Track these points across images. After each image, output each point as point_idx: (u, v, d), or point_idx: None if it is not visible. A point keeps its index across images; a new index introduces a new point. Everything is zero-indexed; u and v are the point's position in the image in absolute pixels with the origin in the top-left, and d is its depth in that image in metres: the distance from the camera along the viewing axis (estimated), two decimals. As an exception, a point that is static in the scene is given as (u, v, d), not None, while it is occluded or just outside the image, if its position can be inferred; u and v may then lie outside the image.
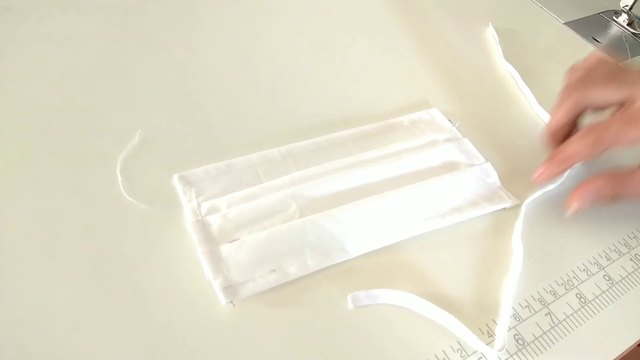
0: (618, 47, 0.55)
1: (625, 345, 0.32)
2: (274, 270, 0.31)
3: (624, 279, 0.35)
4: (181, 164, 0.36)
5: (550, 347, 0.31)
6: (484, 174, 0.39)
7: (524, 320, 0.32)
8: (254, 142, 0.39)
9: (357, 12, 0.54)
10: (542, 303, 0.33)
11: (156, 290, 0.30)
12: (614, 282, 0.35)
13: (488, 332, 0.31)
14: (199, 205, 0.33)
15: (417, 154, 0.39)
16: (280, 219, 0.33)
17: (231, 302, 0.29)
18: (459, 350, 0.30)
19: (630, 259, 0.36)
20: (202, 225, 0.32)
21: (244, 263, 0.31)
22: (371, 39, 0.51)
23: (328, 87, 0.45)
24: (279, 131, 0.40)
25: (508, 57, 0.51)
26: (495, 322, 0.31)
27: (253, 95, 0.43)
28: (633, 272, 0.36)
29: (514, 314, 0.32)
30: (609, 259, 0.36)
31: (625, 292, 0.35)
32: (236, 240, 0.31)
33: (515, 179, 0.40)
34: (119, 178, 0.35)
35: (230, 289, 0.29)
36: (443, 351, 0.30)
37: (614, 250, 0.37)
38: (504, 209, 0.37)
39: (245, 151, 0.37)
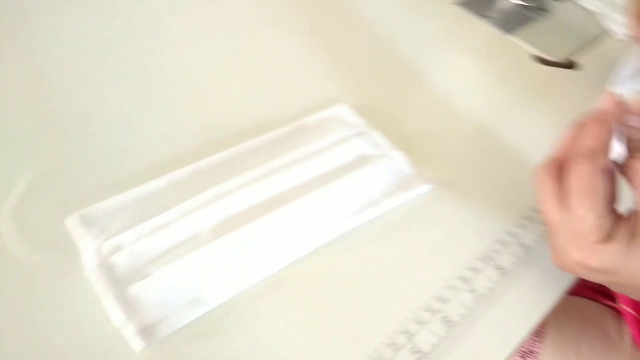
0: (507, 19, 0.58)
1: (545, 307, 0.33)
2: (192, 301, 0.29)
3: (536, 243, 0.37)
4: (79, 203, 0.33)
5: (475, 324, 0.32)
6: (395, 163, 0.39)
7: (449, 302, 0.32)
8: (157, 166, 0.36)
9: (253, 16, 0.53)
10: (464, 281, 0.34)
11: (64, 351, 0.27)
12: (529, 248, 0.36)
13: (417, 319, 0.31)
14: (100, 246, 0.31)
15: (328, 152, 0.39)
16: (193, 245, 0.32)
17: (149, 345, 0.27)
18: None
19: (540, 223, 0.38)
20: (106, 268, 0.30)
21: (158, 299, 0.29)
22: (271, 42, 0.50)
23: (231, 97, 0.43)
24: (184, 150, 0.38)
25: (405, 42, 0.52)
26: (422, 310, 0.32)
27: (150, 116, 0.40)
28: (544, 235, 0.37)
29: (439, 297, 0.32)
30: (522, 227, 0.38)
31: (540, 256, 0.36)
32: (147, 276, 0.30)
33: (428, 162, 0.40)
34: (3, 232, 0.31)
35: (146, 331, 0.28)
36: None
37: (526, 217, 0.38)
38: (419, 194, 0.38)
39: (148, 177, 0.35)
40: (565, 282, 0.35)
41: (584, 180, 0.28)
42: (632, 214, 0.29)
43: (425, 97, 0.47)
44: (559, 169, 0.30)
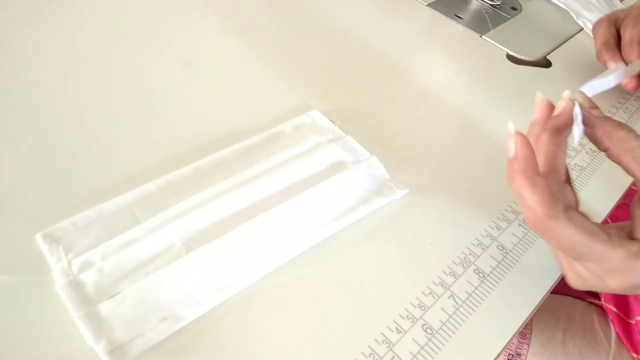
0: (479, 20, 0.58)
1: (529, 308, 0.33)
2: (165, 319, 0.28)
3: (516, 245, 0.37)
4: (45, 220, 0.32)
5: (458, 329, 0.31)
6: (370, 168, 0.38)
7: (429, 308, 0.32)
8: (126, 180, 0.35)
9: (220, 22, 0.52)
10: (444, 286, 0.33)
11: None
12: (508, 251, 0.36)
13: (397, 328, 0.31)
14: (69, 264, 0.30)
15: (302, 160, 0.38)
16: (165, 261, 0.31)
17: (120, 365, 0.27)
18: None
19: (519, 224, 0.38)
20: (75, 286, 0.29)
21: (130, 318, 0.28)
22: (240, 48, 0.49)
23: (202, 107, 0.43)
24: (154, 162, 0.37)
25: (379, 45, 0.52)
26: (406, 311, 0.31)
27: (118, 127, 0.39)
28: (524, 236, 0.37)
29: (419, 304, 0.32)
30: (500, 229, 0.37)
31: (521, 257, 0.36)
32: (117, 294, 0.29)
33: (404, 166, 0.40)
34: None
35: (117, 351, 0.27)
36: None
37: (503, 219, 0.38)
38: (395, 199, 0.37)
39: (117, 191, 0.34)
40: (547, 283, 0.35)
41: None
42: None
43: (401, 100, 0.47)
44: None
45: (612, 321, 0.49)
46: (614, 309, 0.49)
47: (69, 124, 0.39)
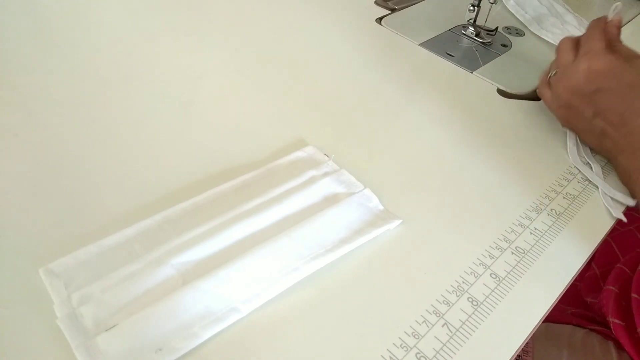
0: (470, 57, 0.60)
1: (520, 339, 0.33)
2: (160, 350, 0.29)
3: (509, 273, 0.37)
4: (48, 255, 0.33)
5: (452, 357, 0.31)
6: (365, 200, 0.40)
7: (422, 337, 0.32)
8: (126, 215, 0.37)
9: (219, 64, 0.55)
10: (438, 315, 0.33)
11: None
12: (501, 279, 0.37)
13: (391, 357, 0.31)
14: (69, 297, 0.31)
15: (298, 193, 0.39)
16: (162, 292, 0.31)
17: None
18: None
19: (512, 253, 0.38)
20: (74, 318, 0.29)
21: (125, 349, 0.28)
22: (238, 88, 0.51)
23: (200, 144, 0.44)
24: (155, 198, 0.39)
25: (373, 82, 0.54)
26: (400, 340, 0.31)
27: (120, 165, 0.41)
28: (516, 265, 0.38)
29: (412, 333, 0.32)
30: (492, 257, 0.38)
31: (513, 285, 0.36)
32: (114, 326, 0.29)
33: (397, 197, 0.41)
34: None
35: (113, 382, 0.27)
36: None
37: (496, 247, 0.39)
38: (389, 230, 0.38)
39: (118, 226, 0.35)
40: (541, 310, 0.35)
41: (594, 31, 0.44)
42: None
43: (394, 134, 0.48)
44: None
45: (618, 337, 0.49)
46: (621, 323, 0.49)
47: (73, 162, 0.41)
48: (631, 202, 0.42)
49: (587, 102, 0.44)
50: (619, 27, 0.46)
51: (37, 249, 0.34)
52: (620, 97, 0.41)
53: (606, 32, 0.45)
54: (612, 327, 0.50)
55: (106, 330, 0.29)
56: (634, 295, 0.46)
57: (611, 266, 0.54)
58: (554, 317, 0.56)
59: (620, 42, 0.46)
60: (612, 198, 0.43)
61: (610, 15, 0.47)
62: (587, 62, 0.42)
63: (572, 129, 0.48)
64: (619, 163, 0.44)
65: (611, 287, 0.49)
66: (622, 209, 0.42)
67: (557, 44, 0.64)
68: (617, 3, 0.48)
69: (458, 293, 0.35)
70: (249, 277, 0.33)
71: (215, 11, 0.63)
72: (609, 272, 0.53)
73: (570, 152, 0.47)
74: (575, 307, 0.58)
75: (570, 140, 0.48)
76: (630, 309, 0.48)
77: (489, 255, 0.38)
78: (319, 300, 0.33)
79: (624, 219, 0.41)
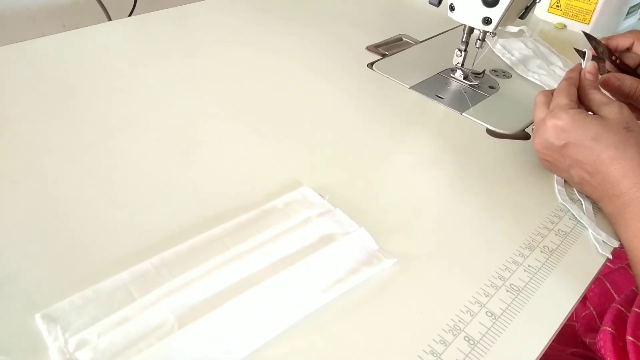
0: (459, 99, 0.62)
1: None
2: (155, 395, 0.29)
3: (504, 311, 0.37)
4: (44, 300, 0.33)
5: (449, 399, 0.31)
6: (359, 239, 0.40)
7: (420, 378, 0.32)
8: (123, 259, 0.37)
9: (216, 110, 0.56)
10: (435, 355, 0.33)
11: None
12: (497, 317, 0.37)
13: (389, 400, 0.31)
14: (66, 343, 0.31)
15: (293, 233, 0.40)
16: (157, 337, 0.31)
17: None
18: None
19: (507, 290, 0.39)
20: (70, 365, 0.29)
21: (121, 395, 0.28)
22: (234, 132, 0.53)
23: (197, 186, 0.45)
24: (150, 241, 0.39)
25: (366, 123, 0.56)
26: (394, 388, 0.31)
27: (116, 210, 0.42)
28: (512, 302, 0.38)
29: (410, 375, 0.32)
30: (488, 295, 0.38)
31: (509, 324, 0.36)
32: (110, 371, 0.29)
33: (391, 236, 0.41)
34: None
35: None
36: None
37: (491, 285, 0.39)
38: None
39: (114, 270, 0.36)
40: (537, 349, 0.35)
41: (562, 86, 0.47)
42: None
43: (387, 174, 0.49)
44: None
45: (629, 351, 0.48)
46: (633, 339, 0.48)
47: (70, 208, 0.41)
48: (615, 244, 0.43)
49: (560, 154, 0.46)
50: (594, 74, 0.49)
51: (33, 294, 0.34)
52: (588, 150, 0.43)
53: (581, 80, 0.48)
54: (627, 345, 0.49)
55: (101, 377, 0.29)
56: (629, 337, 0.46)
57: (606, 305, 0.54)
58: (553, 356, 0.55)
59: (596, 89, 0.48)
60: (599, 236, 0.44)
61: (584, 64, 0.50)
62: (552, 120, 0.45)
63: (558, 175, 0.50)
64: (601, 207, 0.46)
65: (608, 328, 0.49)
66: (611, 248, 0.43)
67: (543, 85, 0.66)
68: (588, 50, 0.51)
69: (454, 332, 0.35)
70: (245, 319, 0.33)
71: (211, 59, 0.66)
72: (605, 312, 0.53)
73: (558, 193, 0.48)
74: (574, 347, 0.57)
75: (558, 183, 0.49)
76: (627, 351, 0.47)
77: (484, 293, 0.38)
78: (314, 341, 0.33)
79: (610, 257, 0.42)
